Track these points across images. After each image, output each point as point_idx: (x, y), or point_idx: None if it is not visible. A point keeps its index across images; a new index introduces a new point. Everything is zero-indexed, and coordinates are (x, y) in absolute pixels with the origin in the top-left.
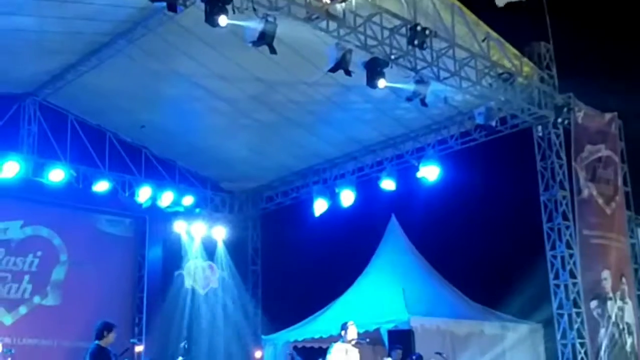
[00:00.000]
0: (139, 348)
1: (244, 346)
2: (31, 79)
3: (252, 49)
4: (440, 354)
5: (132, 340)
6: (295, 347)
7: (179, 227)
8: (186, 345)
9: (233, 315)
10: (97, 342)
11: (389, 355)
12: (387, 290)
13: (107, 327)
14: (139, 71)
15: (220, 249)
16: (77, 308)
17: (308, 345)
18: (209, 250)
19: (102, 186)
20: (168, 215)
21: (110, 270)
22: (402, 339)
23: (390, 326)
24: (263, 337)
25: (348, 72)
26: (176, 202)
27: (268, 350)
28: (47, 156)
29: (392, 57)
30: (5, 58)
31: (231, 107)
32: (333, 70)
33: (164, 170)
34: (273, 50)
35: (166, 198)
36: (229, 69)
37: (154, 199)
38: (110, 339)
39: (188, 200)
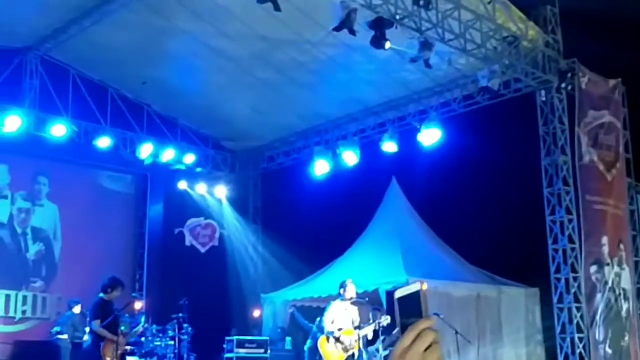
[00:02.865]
0: (139, 304)
1: (243, 304)
2: (33, 33)
3: (258, 7)
4: (437, 315)
5: (133, 295)
6: (294, 306)
7: (181, 185)
8: (186, 302)
9: (233, 274)
10: (102, 295)
11: (387, 313)
12: (386, 252)
13: (111, 285)
14: (143, 27)
15: (221, 207)
16: (78, 263)
17: (307, 304)
18: (210, 209)
19: (104, 142)
20: (170, 173)
21: (112, 227)
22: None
23: (389, 287)
24: (262, 295)
25: (353, 32)
26: (178, 160)
27: (267, 309)
28: (49, 111)
29: (397, 17)
30: (7, 11)
31: (235, 66)
32: (338, 29)
33: (165, 128)
34: (277, 8)
35: (168, 155)
36: (233, 27)
37: (155, 156)
38: (114, 295)
39: (190, 158)
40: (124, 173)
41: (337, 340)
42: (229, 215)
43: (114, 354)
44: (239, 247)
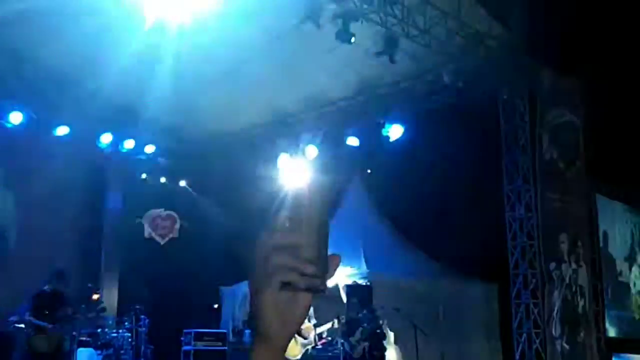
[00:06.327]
0: (96, 295)
1: (202, 297)
2: None
3: None
4: (397, 309)
5: (89, 285)
6: None
7: (140, 175)
8: (144, 294)
9: (192, 266)
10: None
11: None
12: (347, 246)
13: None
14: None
15: (181, 198)
16: (32, 253)
17: None
18: (170, 200)
19: (62, 130)
20: (129, 163)
21: (68, 216)
22: (360, 293)
23: (350, 281)
24: (222, 287)
25: (317, 24)
26: (138, 150)
27: (227, 302)
28: (6, 97)
29: (363, 10)
30: None
31: (195, 57)
32: (302, 21)
33: (126, 118)
34: None
35: (127, 145)
36: (194, 19)
37: (115, 145)
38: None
39: (150, 148)
40: (82, 162)
41: (299, 333)
42: (190, 206)
43: None
44: (199, 239)
